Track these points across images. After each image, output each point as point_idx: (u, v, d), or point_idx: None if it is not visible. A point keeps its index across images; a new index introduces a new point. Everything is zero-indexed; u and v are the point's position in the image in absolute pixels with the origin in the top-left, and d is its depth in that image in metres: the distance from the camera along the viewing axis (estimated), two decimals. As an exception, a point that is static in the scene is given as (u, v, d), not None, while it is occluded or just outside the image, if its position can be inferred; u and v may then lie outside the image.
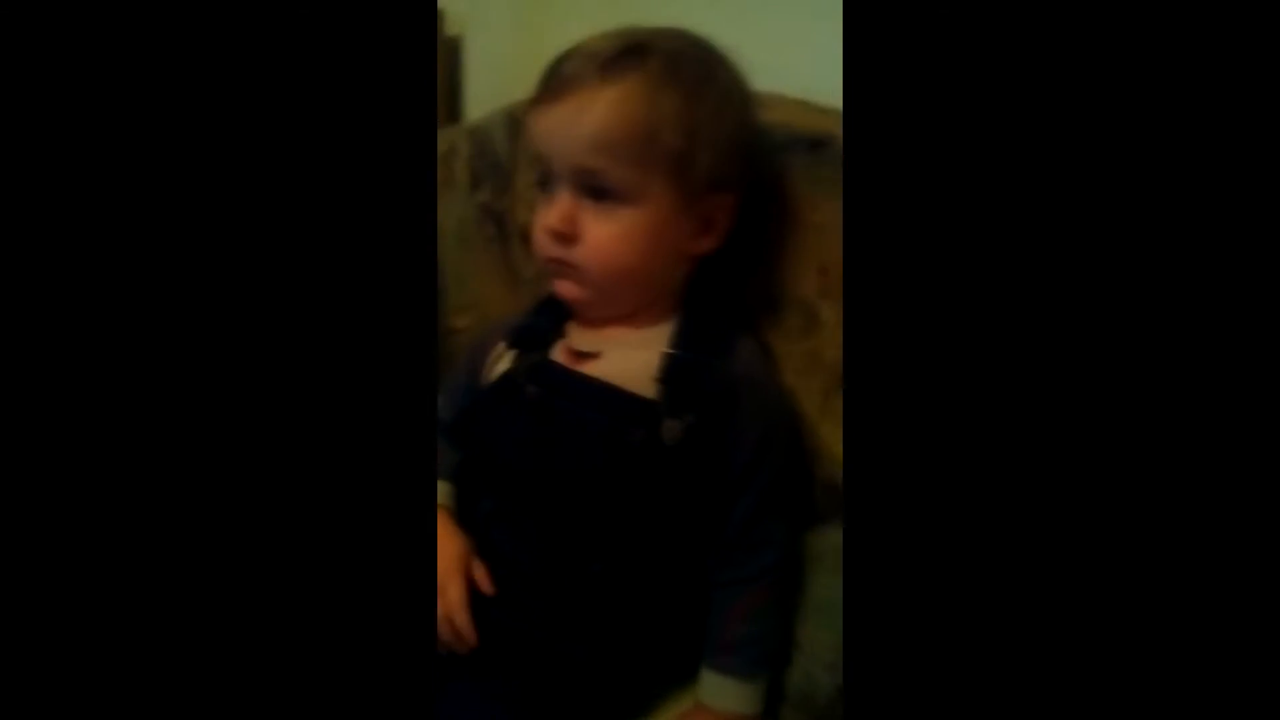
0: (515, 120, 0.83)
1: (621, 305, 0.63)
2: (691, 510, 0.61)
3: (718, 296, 0.65)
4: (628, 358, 0.62)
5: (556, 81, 0.60)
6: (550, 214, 0.60)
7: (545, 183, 0.62)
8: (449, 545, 0.63)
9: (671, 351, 0.61)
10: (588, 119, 0.58)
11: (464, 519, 0.66)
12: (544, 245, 0.62)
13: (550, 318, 0.67)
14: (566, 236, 0.60)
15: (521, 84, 0.65)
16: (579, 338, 0.65)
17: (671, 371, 0.60)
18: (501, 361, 0.67)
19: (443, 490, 0.68)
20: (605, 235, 0.60)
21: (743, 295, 0.67)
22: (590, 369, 0.62)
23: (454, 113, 1.06)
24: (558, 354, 0.64)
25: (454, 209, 0.86)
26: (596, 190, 0.59)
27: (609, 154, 0.58)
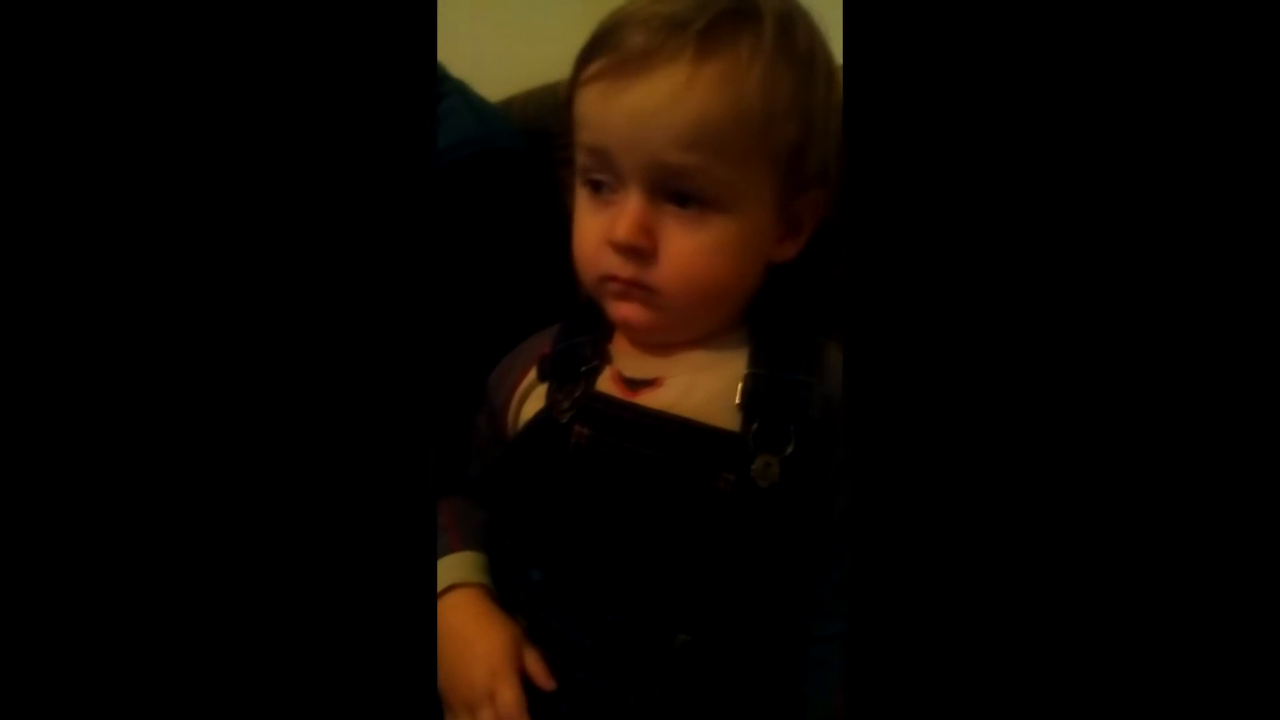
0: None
1: (695, 330, 0.52)
2: (790, 559, 0.50)
3: (790, 301, 0.54)
4: (696, 383, 0.51)
5: (626, 51, 0.46)
6: (618, 224, 0.48)
7: (599, 183, 0.50)
8: (493, 635, 0.51)
9: (756, 371, 0.50)
10: (684, 106, 0.45)
11: (505, 598, 0.54)
12: (602, 261, 0.50)
13: (588, 340, 0.55)
14: (640, 251, 0.48)
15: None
16: (629, 363, 0.53)
17: (758, 396, 0.49)
18: (533, 398, 0.55)
19: (471, 564, 0.55)
20: (691, 249, 0.48)
21: (813, 295, 0.57)
22: (650, 400, 0.51)
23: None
24: (605, 384, 0.53)
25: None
26: (681, 194, 0.47)
27: (708, 150, 0.46)
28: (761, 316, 0.53)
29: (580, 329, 0.56)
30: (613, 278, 0.49)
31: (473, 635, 0.51)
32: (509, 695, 0.49)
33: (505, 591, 0.55)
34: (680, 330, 0.52)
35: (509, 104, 0.80)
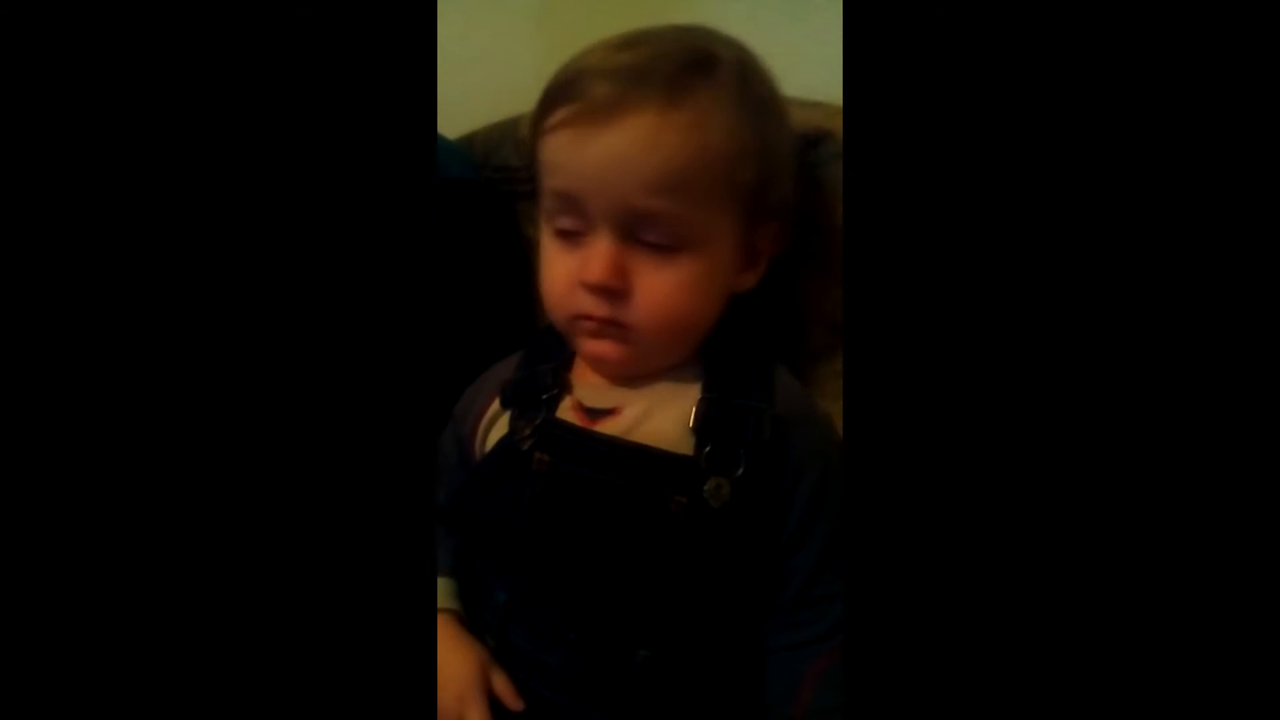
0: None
1: (662, 361, 0.54)
2: (744, 574, 0.53)
3: (741, 327, 0.57)
4: (653, 411, 0.53)
5: (593, 100, 0.48)
6: (590, 265, 0.49)
7: (570, 230, 0.51)
8: (461, 657, 0.53)
9: (709, 397, 0.52)
10: (653, 153, 0.47)
11: (473, 620, 0.56)
12: (575, 301, 0.51)
13: (548, 368, 0.57)
14: (613, 291, 0.50)
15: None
16: (589, 392, 0.55)
17: (710, 421, 0.51)
18: (497, 426, 0.57)
19: (441, 590, 0.57)
20: (663, 287, 0.50)
21: (764, 321, 0.59)
22: (608, 427, 0.53)
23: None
24: (565, 412, 0.55)
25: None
26: (650, 235, 0.49)
27: (678, 194, 0.48)
28: (716, 345, 0.56)
29: (540, 356, 0.58)
30: (586, 316, 0.51)
31: (441, 660, 0.53)
32: (476, 717, 0.51)
33: (474, 613, 0.56)
34: (649, 363, 0.54)
35: (470, 139, 0.83)
